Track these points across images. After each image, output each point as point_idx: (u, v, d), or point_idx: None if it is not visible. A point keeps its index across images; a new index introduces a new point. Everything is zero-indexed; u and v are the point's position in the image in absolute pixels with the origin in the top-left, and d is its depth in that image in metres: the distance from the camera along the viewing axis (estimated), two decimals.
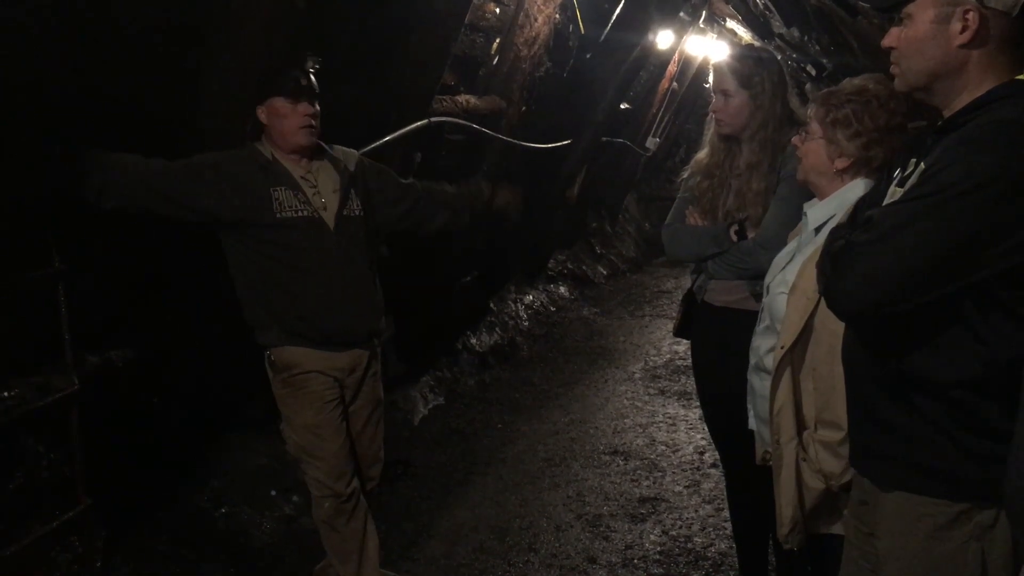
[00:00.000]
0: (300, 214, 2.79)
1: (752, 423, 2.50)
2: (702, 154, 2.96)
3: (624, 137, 9.49)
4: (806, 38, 6.80)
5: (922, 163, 1.64)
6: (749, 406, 2.51)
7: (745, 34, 9.17)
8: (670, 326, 7.62)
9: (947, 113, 1.67)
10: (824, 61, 6.86)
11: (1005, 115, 1.52)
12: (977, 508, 1.59)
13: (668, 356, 6.84)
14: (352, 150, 3.08)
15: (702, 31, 9.46)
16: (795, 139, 2.37)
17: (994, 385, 1.55)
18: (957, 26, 1.59)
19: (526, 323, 7.55)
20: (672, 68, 10.17)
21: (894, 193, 1.70)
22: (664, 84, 10.25)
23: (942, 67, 1.63)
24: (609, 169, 10.07)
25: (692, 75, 11.47)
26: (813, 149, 2.26)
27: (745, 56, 2.85)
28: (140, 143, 2.73)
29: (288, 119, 2.77)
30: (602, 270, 10.11)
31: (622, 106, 8.53)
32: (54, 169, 2.54)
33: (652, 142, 10.95)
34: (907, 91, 1.72)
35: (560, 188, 8.02)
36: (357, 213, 2.92)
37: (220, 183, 2.73)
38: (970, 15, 1.57)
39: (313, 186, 2.84)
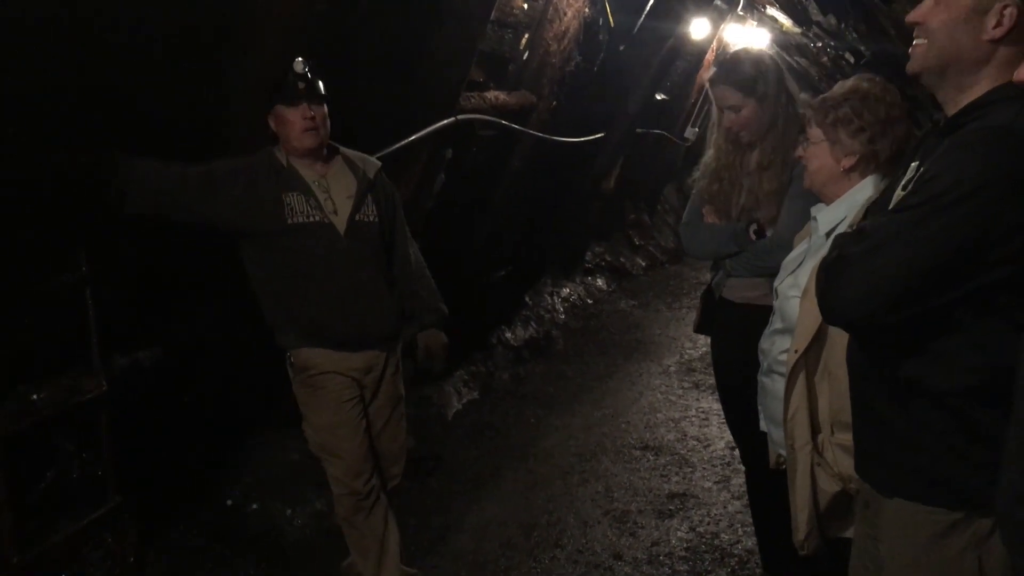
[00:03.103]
0: (311, 219, 2.83)
1: (763, 424, 2.49)
2: (708, 157, 2.94)
3: (661, 127, 9.42)
4: (843, 25, 6.69)
5: (923, 167, 1.61)
6: (760, 407, 2.50)
7: (786, 21, 9.04)
8: None
9: (949, 109, 1.64)
10: (862, 48, 6.75)
11: (996, 121, 1.49)
12: (975, 516, 1.58)
13: (704, 349, 6.77)
14: (375, 160, 3.10)
15: (741, 18, 9.35)
16: (798, 150, 2.35)
17: (993, 392, 1.52)
18: (992, 20, 1.54)
19: (562, 316, 7.54)
20: (710, 57, 10.06)
21: (899, 196, 1.68)
22: (703, 73, 10.14)
23: (964, 55, 1.58)
24: (646, 160, 10.00)
25: None
26: (817, 153, 2.24)
27: (740, 65, 2.82)
28: (166, 147, 2.79)
29: (291, 124, 2.80)
30: (640, 261, 10.05)
31: (658, 97, 8.47)
32: (80, 174, 2.60)
33: (691, 132, 10.85)
34: (919, 72, 1.65)
35: (594, 181, 8.00)
36: (372, 219, 2.95)
37: (235, 191, 2.78)
38: (1007, 11, 1.53)
39: (325, 191, 2.87)
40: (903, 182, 1.70)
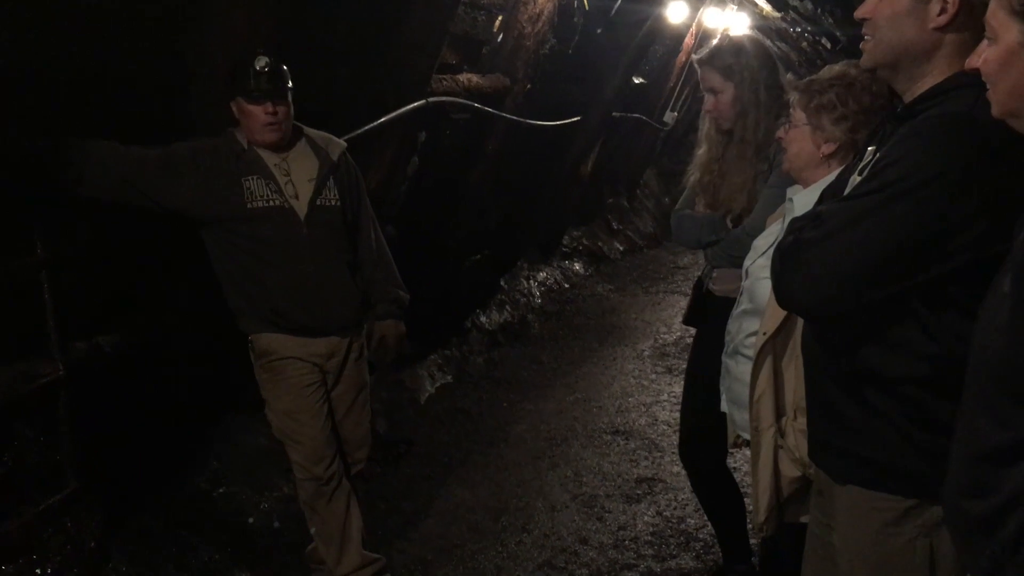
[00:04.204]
0: (271, 204, 2.79)
1: (724, 406, 2.49)
2: (700, 151, 2.95)
3: (640, 111, 9.39)
4: (819, 10, 6.67)
5: (879, 153, 1.60)
6: (722, 389, 2.50)
7: (765, 5, 9.01)
8: (683, 303, 7.59)
9: (907, 98, 1.63)
10: (838, 34, 6.74)
11: (954, 108, 1.48)
12: (927, 504, 1.58)
13: (679, 334, 6.79)
14: (339, 140, 3.06)
15: (721, 2, 9.32)
16: (779, 131, 2.33)
17: (945, 381, 1.51)
18: (936, 7, 1.53)
19: (538, 300, 7.53)
20: (690, 41, 10.03)
21: (854, 181, 1.67)
22: (682, 58, 10.11)
23: (913, 46, 1.57)
24: (626, 144, 9.99)
25: None
26: (798, 137, 2.23)
27: (723, 49, 2.83)
28: (128, 129, 2.73)
29: (252, 118, 2.77)
30: (618, 246, 10.04)
31: (636, 81, 8.44)
32: (34, 157, 2.55)
33: (670, 116, 10.85)
34: (873, 67, 1.66)
35: (572, 165, 7.97)
36: (333, 203, 2.91)
37: (194, 175, 2.74)
38: None
39: (286, 174, 2.83)
40: (859, 167, 1.69)
